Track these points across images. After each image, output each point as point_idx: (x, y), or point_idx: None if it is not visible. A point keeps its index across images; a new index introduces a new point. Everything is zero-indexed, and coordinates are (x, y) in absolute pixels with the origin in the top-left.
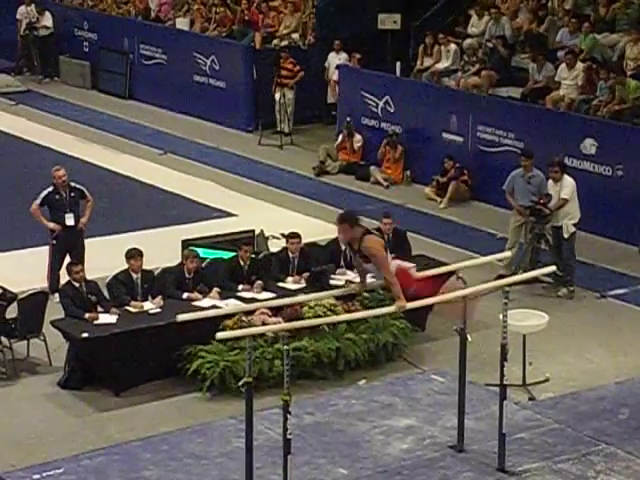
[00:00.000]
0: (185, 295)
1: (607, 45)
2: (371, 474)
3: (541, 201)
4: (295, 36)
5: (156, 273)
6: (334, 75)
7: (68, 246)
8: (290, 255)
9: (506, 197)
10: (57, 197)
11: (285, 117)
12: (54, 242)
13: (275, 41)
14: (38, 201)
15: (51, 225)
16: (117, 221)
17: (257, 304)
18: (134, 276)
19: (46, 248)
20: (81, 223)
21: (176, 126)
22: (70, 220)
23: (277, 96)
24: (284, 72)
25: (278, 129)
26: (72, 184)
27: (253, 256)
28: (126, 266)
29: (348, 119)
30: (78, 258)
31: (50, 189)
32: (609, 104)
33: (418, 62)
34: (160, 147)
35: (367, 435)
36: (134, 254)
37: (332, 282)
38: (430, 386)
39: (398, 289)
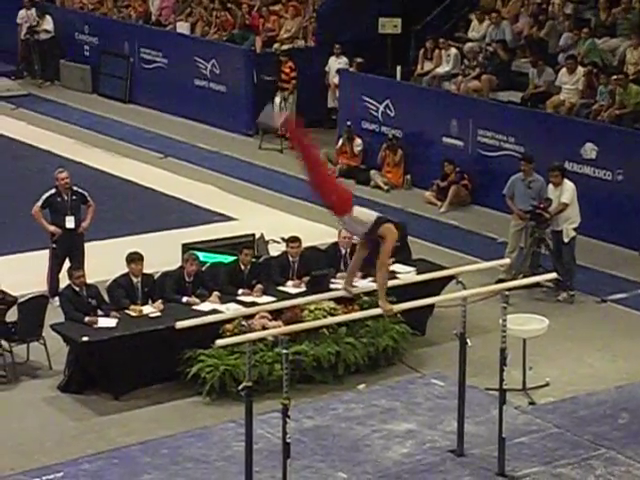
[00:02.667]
0: (185, 299)
1: (607, 50)
2: (371, 478)
3: (541, 205)
4: (299, 41)
5: (156, 277)
6: (334, 79)
7: (68, 250)
8: (290, 259)
9: (506, 201)
10: (59, 200)
11: None
12: (54, 246)
13: (276, 45)
14: (39, 203)
15: (51, 228)
16: (117, 225)
17: (257, 308)
18: (134, 280)
19: (46, 252)
20: (82, 227)
21: (176, 130)
22: (70, 222)
23: (277, 100)
24: (283, 76)
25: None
26: (74, 188)
27: (253, 260)
28: (126, 270)
29: (348, 123)
30: (78, 262)
31: (52, 191)
32: (609, 109)
33: (418, 66)
34: (160, 151)
35: (367, 439)
36: (134, 258)
37: (332, 286)
38: (430, 390)
39: (383, 293)
